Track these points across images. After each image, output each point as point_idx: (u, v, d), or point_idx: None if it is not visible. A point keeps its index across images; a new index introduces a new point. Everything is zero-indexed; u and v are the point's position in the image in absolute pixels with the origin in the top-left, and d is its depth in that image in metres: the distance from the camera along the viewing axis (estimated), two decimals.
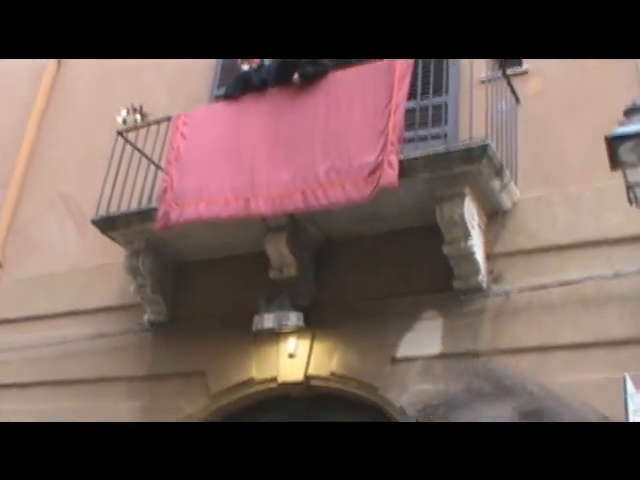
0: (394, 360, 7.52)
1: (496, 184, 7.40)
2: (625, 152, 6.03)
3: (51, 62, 11.59)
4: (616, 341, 6.82)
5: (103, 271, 9.57)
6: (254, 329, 7.95)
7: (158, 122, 8.69)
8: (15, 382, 9.65)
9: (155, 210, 8.18)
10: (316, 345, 8.00)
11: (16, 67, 11.39)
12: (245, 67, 8.46)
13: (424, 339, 7.44)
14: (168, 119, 8.63)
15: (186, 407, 8.46)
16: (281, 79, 8.03)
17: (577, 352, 6.95)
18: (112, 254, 9.14)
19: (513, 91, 7.96)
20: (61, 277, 9.92)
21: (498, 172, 7.32)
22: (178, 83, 10.23)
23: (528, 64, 8.17)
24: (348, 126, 7.49)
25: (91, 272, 9.68)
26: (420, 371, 7.32)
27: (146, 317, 8.94)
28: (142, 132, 8.82)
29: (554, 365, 6.88)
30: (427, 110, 7.72)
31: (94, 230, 8.95)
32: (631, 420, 6.04)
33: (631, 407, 6.12)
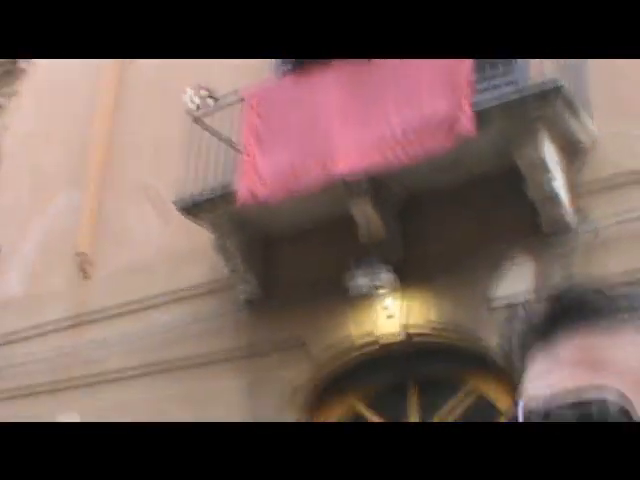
0: (490, 305, 7.66)
1: (573, 123, 7.47)
2: None
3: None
4: None
5: (190, 255, 9.80)
6: (348, 291, 8.15)
7: (231, 104, 8.87)
8: (119, 375, 9.98)
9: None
10: (411, 301, 8.17)
11: (77, 63, 11.48)
12: None
13: (518, 283, 7.56)
14: (241, 99, 8.79)
15: (290, 376, 8.71)
16: None
17: None
18: (197, 237, 9.37)
19: None
20: (151, 265, 10.18)
21: (574, 111, 7.39)
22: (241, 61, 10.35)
23: None
24: (419, 81, 7.60)
25: (179, 257, 9.91)
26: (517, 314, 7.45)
27: (241, 296, 9.16)
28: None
29: None
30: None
31: (177, 215, 9.18)
32: None
33: None
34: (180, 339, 9.63)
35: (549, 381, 0.90)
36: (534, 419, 0.89)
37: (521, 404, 0.93)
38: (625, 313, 0.90)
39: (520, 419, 0.91)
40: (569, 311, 0.93)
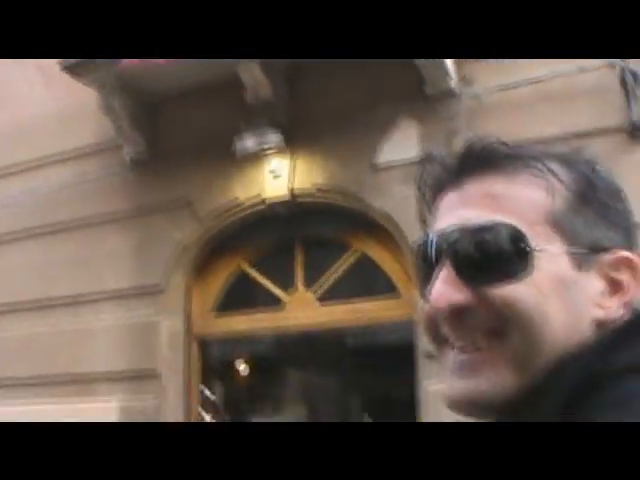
0: (375, 168, 7.87)
1: None
2: None
3: None
4: (583, 133, 7.20)
5: (76, 116, 9.63)
6: (235, 151, 8.24)
7: None
8: (4, 239, 9.90)
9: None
10: (298, 162, 8.30)
11: None
12: None
13: (402, 146, 7.77)
14: None
15: (178, 236, 8.82)
16: None
17: (546, 146, 7.33)
18: (83, 97, 9.20)
19: None
20: (35, 126, 9.99)
21: None
22: None
23: None
24: None
25: (65, 118, 9.73)
26: (401, 177, 7.70)
27: (127, 156, 9.13)
28: None
29: None
30: None
31: (62, 75, 8.97)
32: None
33: None
34: (66, 201, 9.58)
35: (456, 216, 1.03)
36: (443, 244, 1.02)
37: (431, 235, 1.06)
38: (524, 161, 1.04)
39: (432, 247, 1.05)
40: (478, 159, 1.05)
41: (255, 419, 10.19)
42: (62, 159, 9.65)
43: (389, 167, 7.81)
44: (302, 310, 8.49)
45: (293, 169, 8.33)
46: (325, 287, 8.44)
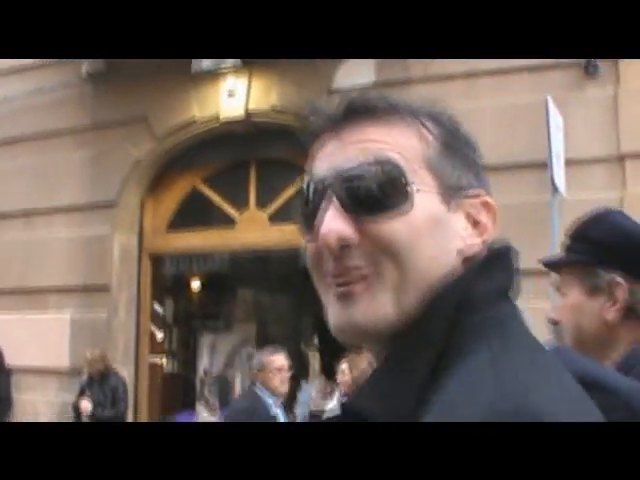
0: (330, 91, 7.89)
1: None
2: None
3: None
4: (539, 66, 7.26)
5: None
6: (192, 70, 8.22)
7: None
8: None
9: None
10: (254, 82, 8.30)
11: None
12: None
13: (358, 70, 7.79)
14: None
15: (134, 152, 8.83)
16: None
17: (501, 77, 7.41)
18: None
19: None
20: None
21: None
22: None
23: None
24: None
25: None
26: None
27: (84, 69, 9.07)
28: None
29: (481, 90, 7.38)
30: None
31: None
32: (552, 135, 6.50)
33: (552, 124, 6.57)
34: (22, 112, 9.52)
35: (338, 159, 1.11)
36: (319, 188, 1.10)
37: (306, 180, 1.14)
38: (400, 114, 1.11)
39: (314, 189, 1.11)
40: (358, 110, 1.13)
41: (205, 336, 10.34)
42: (19, 70, 9.54)
43: (344, 90, 7.82)
44: (253, 229, 8.59)
45: (249, 89, 8.33)
46: (277, 207, 8.52)
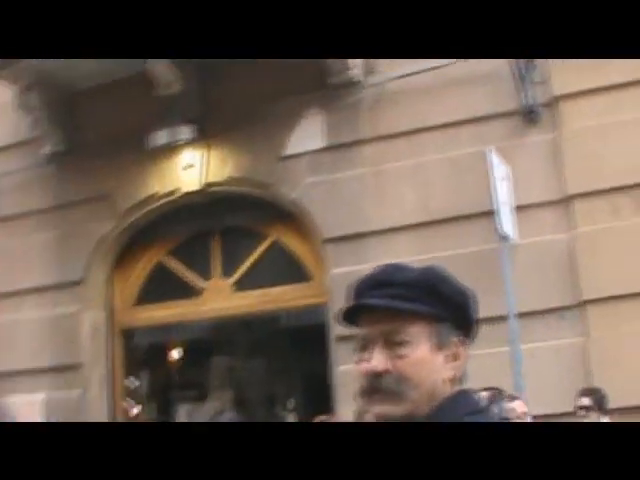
0: (283, 158, 8.06)
1: None
2: None
3: None
4: (481, 117, 7.47)
5: None
6: (149, 146, 8.38)
7: None
8: None
9: None
10: (211, 153, 8.46)
11: None
12: None
13: (309, 135, 7.97)
14: None
15: (98, 229, 8.92)
16: None
17: (447, 131, 7.60)
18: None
19: None
20: None
21: None
22: None
23: None
24: None
25: None
26: (308, 165, 7.91)
27: (45, 150, 9.18)
28: None
29: (427, 145, 7.58)
30: None
31: None
32: (497, 184, 6.68)
33: (497, 175, 6.75)
34: None
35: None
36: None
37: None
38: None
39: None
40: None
41: (182, 406, 10.32)
42: None
43: (297, 156, 8.00)
44: (219, 297, 8.67)
45: (206, 161, 8.48)
46: (240, 275, 8.62)
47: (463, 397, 1.65)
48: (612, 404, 6.26)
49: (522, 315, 6.60)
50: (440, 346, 1.65)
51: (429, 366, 1.63)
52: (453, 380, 1.66)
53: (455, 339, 1.67)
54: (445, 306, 1.66)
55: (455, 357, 1.67)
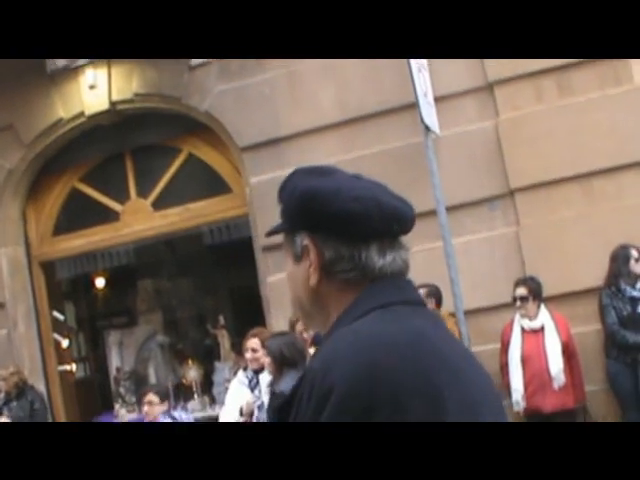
0: (190, 68, 7.82)
1: None
2: None
3: None
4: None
5: None
6: (48, 70, 8.06)
7: None
8: None
9: None
10: (114, 71, 8.16)
11: None
12: None
13: None
14: None
15: (4, 162, 8.60)
16: None
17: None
18: None
19: None
20: None
21: None
22: None
23: None
24: None
25: None
26: (217, 74, 7.70)
27: None
28: None
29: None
30: None
31: None
32: (416, 78, 6.45)
33: (414, 66, 6.48)
34: None
35: None
36: None
37: None
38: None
39: None
40: None
41: (112, 334, 10.22)
42: None
43: (204, 65, 7.77)
44: (138, 220, 8.50)
45: (110, 79, 8.19)
46: (158, 194, 8.45)
47: (354, 308, 1.50)
48: (547, 292, 6.36)
49: (452, 209, 6.55)
50: (297, 256, 1.55)
51: (294, 279, 1.58)
52: (319, 284, 1.54)
53: (306, 243, 1.53)
54: (287, 215, 1.58)
55: (312, 262, 1.54)
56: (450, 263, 6.23)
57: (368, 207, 1.48)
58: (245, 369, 6.22)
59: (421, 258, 6.19)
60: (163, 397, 6.45)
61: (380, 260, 1.50)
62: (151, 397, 6.33)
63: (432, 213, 6.24)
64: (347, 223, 1.48)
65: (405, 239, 1.56)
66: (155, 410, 6.30)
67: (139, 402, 6.60)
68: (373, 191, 1.53)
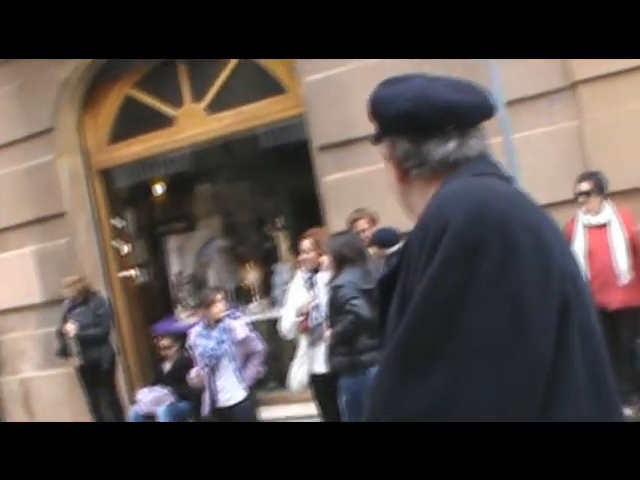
0: None
1: None
2: None
3: None
4: None
5: None
6: None
7: None
8: None
9: None
10: None
11: None
12: None
13: None
14: None
15: (59, 73, 8.58)
16: None
17: None
18: None
19: None
20: None
21: None
22: None
23: None
24: None
25: None
26: None
27: None
28: None
29: None
30: None
31: None
32: None
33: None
34: None
35: None
36: None
37: None
38: None
39: None
40: None
41: (171, 240, 10.28)
42: None
43: None
44: (193, 124, 8.44)
45: None
46: (212, 97, 8.36)
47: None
48: (611, 188, 6.19)
49: (511, 103, 6.35)
50: (386, 158, 1.68)
51: (389, 181, 1.70)
52: (403, 183, 1.66)
53: (386, 145, 1.67)
54: (381, 122, 1.68)
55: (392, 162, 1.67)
56: (510, 159, 6.09)
57: (419, 105, 1.57)
58: (303, 270, 6.27)
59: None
60: (226, 298, 6.68)
61: (441, 150, 1.59)
62: (217, 298, 6.54)
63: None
64: (403, 122, 1.60)
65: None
66: (218, 309, 6.49)
67: (201, 305, 6.71)
68: (432, 89, 1.60)
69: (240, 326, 6.47)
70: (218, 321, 6.46)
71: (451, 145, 1.58)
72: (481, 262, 1.35)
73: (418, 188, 1.63)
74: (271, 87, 8.06)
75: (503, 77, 6.14)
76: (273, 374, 8.18)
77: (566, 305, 1.38)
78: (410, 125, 1.59)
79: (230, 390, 6.43)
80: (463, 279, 1.34)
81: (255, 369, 6.53)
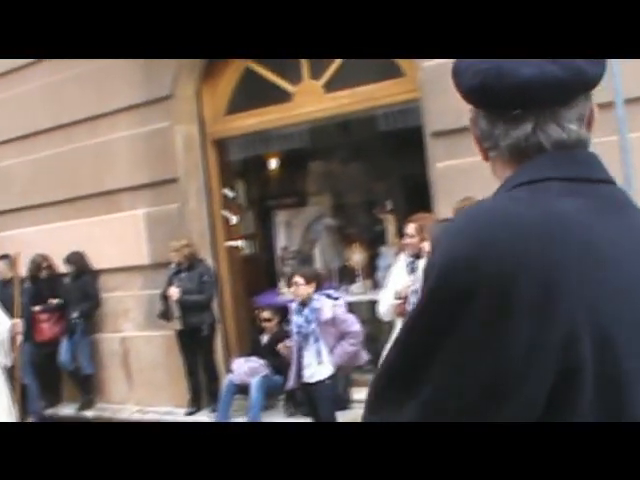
0: None
1: None
2: None
3: None
4: None
5: None
6: None
7: None
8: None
9: None
10: None
11: None
12: None
13: None
14: None
15: None
16: None
17: None
18: None
19: None
20: None
21: None
22: None
23: None
24: None
25: None
26: None
27: None
28: None
29: None
30: None
31: None
32: None
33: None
34: None
35: None
36: None
37: None
38: None
39: None
40: None
41: (279, 214, 10.34)
42: None
43: None
44: (310, 101, 8.44)
45: None
46: (330, 75, 8.33)
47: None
48: None
49: (630, 101, 6.11)
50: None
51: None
52: (491, 163, 1.45)
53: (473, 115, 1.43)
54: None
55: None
56: (625, 159, 5.87)
57: (488, 81, 1.32)
58: (406, 254, 6.24)
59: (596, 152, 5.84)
60: (310, 279, 6.58)
61: (512, 135, 1.35)
62: (297, 279, 6.56)
63: (609, 105, 5.82)
64: (473, 99, 1.37)
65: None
66: (300, 291, 6.49)
67: (288, 284, 6.78)
68: (511, 63, 1.31)
69: (328, 307, 6.47)
70: (309, 300, 6.50)
71: (522, 130, 1.34)
72: (462, 316, 1.16)
73: (499, 171, 1.41)
74: (389, 69, 7.98)
75: (624, 74, 5.90)
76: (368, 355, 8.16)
77: (572, 374, 1.16)
78: (481, 103, 1.38)
79: (314, 367, 6.50)
80: (439, 328, 1.17)
81: (348, 349, 6.52)
